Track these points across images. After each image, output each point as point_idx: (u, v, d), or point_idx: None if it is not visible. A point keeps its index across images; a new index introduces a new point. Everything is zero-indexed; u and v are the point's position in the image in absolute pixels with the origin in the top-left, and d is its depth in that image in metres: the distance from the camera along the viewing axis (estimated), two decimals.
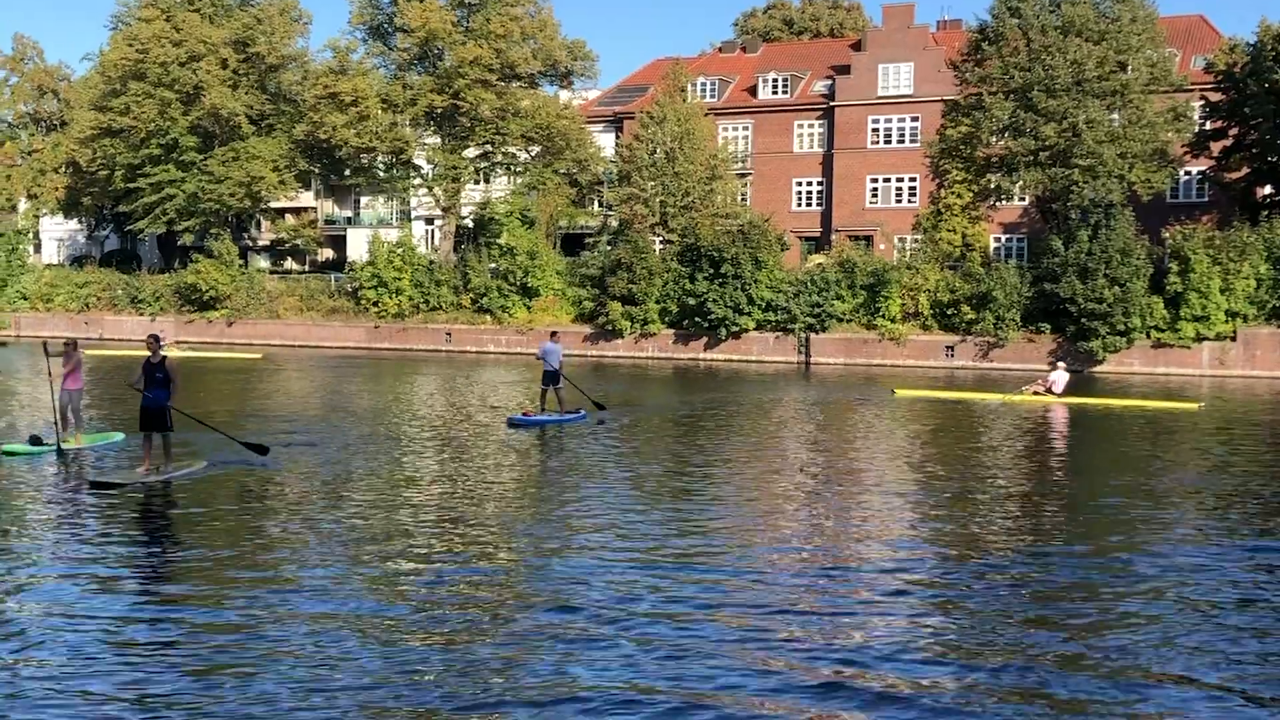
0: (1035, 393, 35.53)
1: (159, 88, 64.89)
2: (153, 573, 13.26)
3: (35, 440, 21.96)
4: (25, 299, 70.71)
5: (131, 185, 67.42)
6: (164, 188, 66.54)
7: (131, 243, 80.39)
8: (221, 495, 18.03)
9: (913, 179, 62.06)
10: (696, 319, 54.42)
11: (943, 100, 58.05)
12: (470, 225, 66.74)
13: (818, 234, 64.70)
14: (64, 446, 21.59)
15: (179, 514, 16.62)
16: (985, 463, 22.79)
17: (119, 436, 23.48)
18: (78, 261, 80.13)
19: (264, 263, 76.68)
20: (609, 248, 59.34)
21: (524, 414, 27.82)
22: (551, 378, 27.96)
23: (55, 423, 21.87)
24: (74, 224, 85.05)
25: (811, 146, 65.62)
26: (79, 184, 73.78)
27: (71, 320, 67.82)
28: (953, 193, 57.39)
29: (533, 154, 64.46)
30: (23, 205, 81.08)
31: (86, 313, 68.78)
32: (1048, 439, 27.87)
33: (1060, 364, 39.68)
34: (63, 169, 75.34)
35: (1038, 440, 27.38)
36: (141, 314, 67.19)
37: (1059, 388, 35.35)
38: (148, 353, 19.37)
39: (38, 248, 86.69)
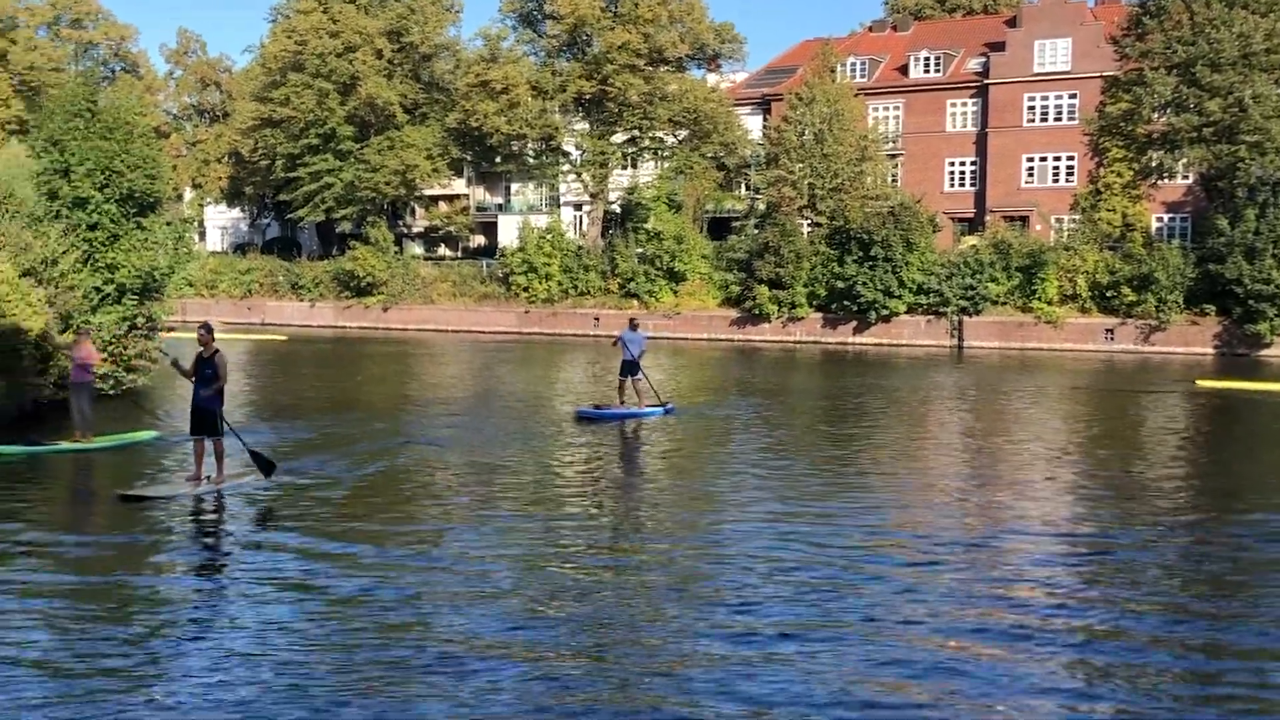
0: None
1: (317, 78, 66.54)
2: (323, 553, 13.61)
3: (33, 441, 20.08)
4: (191, 286, 73.03)
5: (291, 174, 69.37)
6: (322, 176, 68.32)
7: (292, 230, 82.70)
8: (386, 479, 18.42)
9: (1070, 157, 60.28)
10: (845, 302, 53.88)
11: (1102, 76, 56.47)
12: (618, 210, 67.08)
13: (971, 215, 63.34)
14: (74, 446, 19.99)
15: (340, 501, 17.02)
16: None
17: (153, 434, 21.62)
18: (240, 249, 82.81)
19: (418, 249, 78.20)
20: (756, 231, 59.06)
21: (595, 407, 26.22)
22: (630, 368, 25.90)
23: (74, 421, 20.37)
24: (237, 212, 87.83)
25: (964, 125, 64.22)
26: (241, 173, 76.22)
27: (235, 306, 70.20)
28: (1112, 171, 55.78)
29: (680, 138, 64.48)
30: (188, 195, 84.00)
31: (249, 299, 71.09)
32: None
33: None
34: (225, 159, 77.84)
35: None
36: (301, 299, 69.24)
37: None
38: (200, 345, 17.01)
39: (202, 236, 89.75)
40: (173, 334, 38.81)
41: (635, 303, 59.25)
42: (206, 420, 16.73)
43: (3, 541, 13.71)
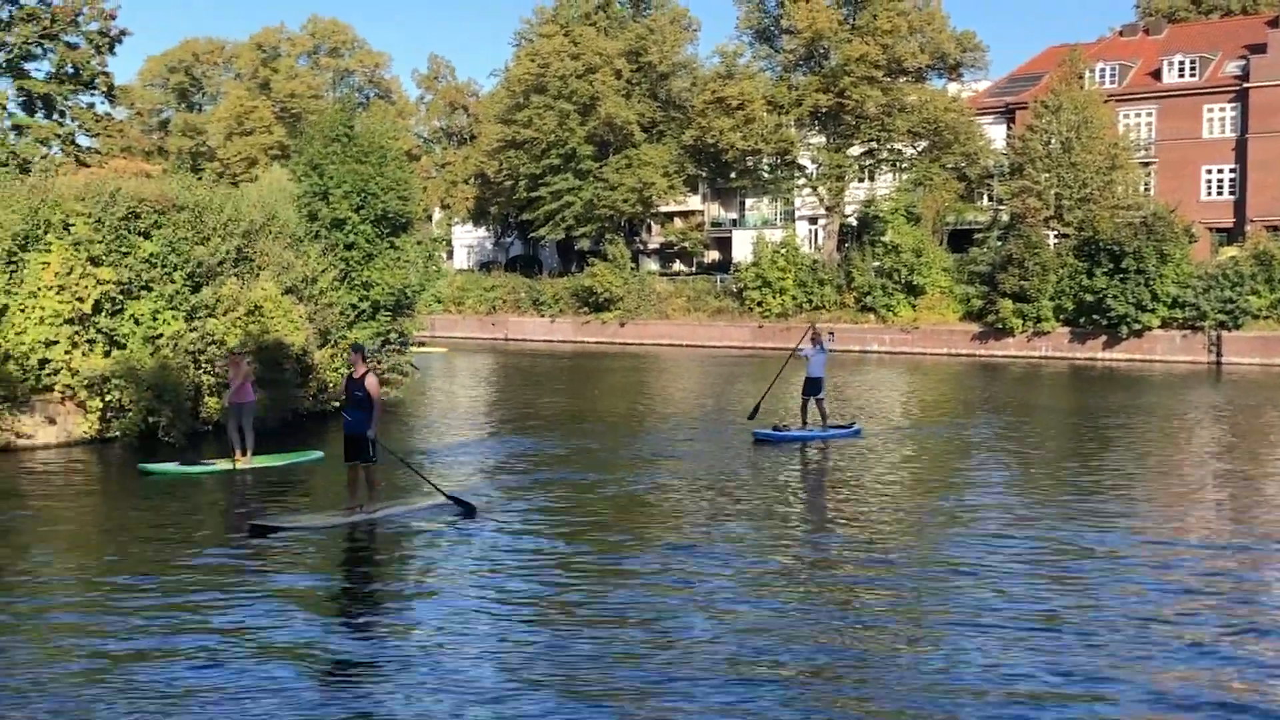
0: None
1: (558, 100, 68.13)
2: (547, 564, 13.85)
3: (190, 461, 19.89)
4: (439, 302, 75.73)
5: (533, 194, 71.22)
6: (563, 195, 69.95)
7: (533, 248, 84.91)
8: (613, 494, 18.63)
9: None
10: (1094, 316, 51.92)
11: None
12: (854, 223, 66.35)
13: (1230, 225, 60.17)
14: (236, 467, 19.70)
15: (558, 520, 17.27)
16: None
17: (317, 454, 21.13)
18: (485, 267, 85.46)
19: (654, 265, 79.18)
20: (999, 243, 57.49)
21: (775, 428, 24.26)
22: (813, 386, 24.34)
23: (232, 441, 19.98)
24: (482, 231, 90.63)
25: (1222, 131, 61.10)
26: (486, 194, 78.62)
27: (480, 321, 72.57)
28: None
29: (919, 149, 63.36)
30: (437, 215, 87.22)
31: (493, 314, 73.36)
32: None
33: None
34: (472, 180, 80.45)
35: None
36: (542, 315, 71.00)
37: None
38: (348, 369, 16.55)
39: (450, 254, 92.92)
40: (423, 348, 40.31)
41: (872, 317, 58.52)
42: (357, 446, 15.69)
43: (165, 566, 13.49)
